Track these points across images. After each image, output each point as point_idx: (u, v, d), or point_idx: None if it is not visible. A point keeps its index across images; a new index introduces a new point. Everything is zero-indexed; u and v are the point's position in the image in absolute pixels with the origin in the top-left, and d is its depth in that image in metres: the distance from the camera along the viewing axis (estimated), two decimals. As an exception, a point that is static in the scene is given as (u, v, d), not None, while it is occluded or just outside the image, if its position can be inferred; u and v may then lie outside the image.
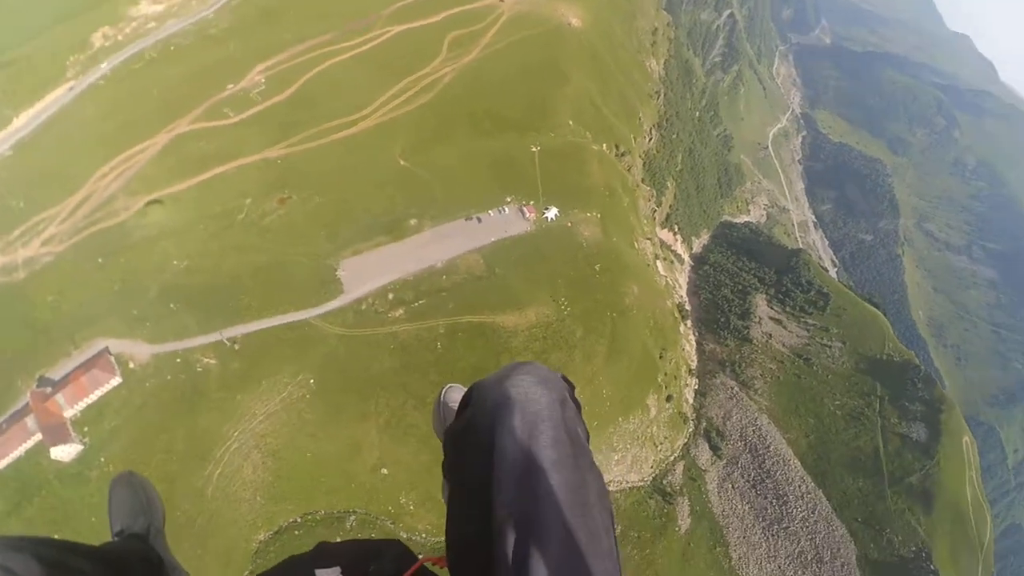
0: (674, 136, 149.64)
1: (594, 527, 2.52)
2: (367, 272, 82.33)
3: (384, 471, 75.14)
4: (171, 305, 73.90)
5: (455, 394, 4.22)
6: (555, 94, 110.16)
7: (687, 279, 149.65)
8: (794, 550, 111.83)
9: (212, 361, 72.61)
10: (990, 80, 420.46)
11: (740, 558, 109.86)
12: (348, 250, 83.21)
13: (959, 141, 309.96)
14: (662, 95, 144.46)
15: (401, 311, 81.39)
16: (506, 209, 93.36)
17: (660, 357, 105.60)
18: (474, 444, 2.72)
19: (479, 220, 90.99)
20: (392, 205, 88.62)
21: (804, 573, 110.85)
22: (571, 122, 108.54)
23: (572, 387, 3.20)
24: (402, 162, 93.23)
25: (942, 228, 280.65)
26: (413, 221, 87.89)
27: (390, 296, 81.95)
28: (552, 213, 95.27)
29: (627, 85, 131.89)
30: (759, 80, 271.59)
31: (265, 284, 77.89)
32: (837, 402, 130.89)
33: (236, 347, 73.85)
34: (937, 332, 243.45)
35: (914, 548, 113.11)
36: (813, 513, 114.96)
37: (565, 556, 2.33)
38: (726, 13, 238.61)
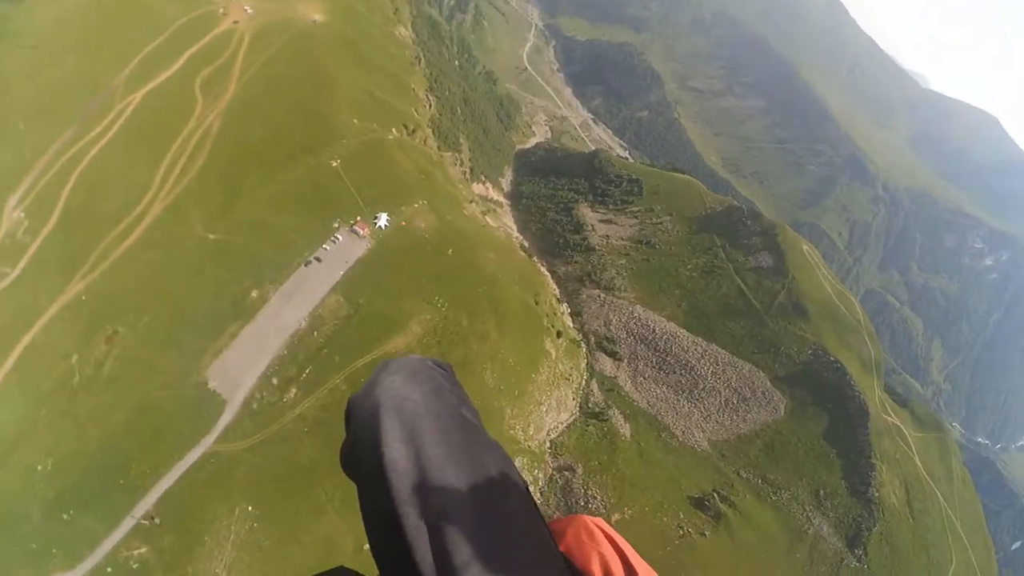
0: (447, 92, 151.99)
1: (506, 506, 2.62)
2: (238, 369, 76.10)
3: (366, 546, 73.86)
4: (64, 516, 64.02)
5: None
6: (329, 99, 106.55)
7: (513, 219, 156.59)
8: (720, 401, 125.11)
9: (142, 550, 64.56)
10: None
11: (684, 432, 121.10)
12: (206, 356, 75.78)
13: (690, 1, 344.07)
14: (422, 59, 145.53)
15: (294, 390, 77.13)
16: (339, 236, 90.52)
17: (536, 303, 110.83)
18: (366, 462, 2.75)
19: (318, 260, 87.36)
20: (223, 287, 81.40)
21: (738, 414, 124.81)
22: (356, 120, 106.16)
23: (447, 368, 3.37)
24: (210, 236, 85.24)
25: (703, 81, 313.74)
26: (254, 293, 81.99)
27: (274, 381, 76.99)
28: (383, 220, 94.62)
29: (389, 62, 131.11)
30: (496, 9, 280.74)
31: (144, 439, 69.27)
32: (689, 266, 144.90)
33: (157, 521, 66.23)
34: (734, 169, 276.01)
35: (810, 351, 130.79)
36: (718, 365, 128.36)
37: (483, 544, 2.44)
38: None
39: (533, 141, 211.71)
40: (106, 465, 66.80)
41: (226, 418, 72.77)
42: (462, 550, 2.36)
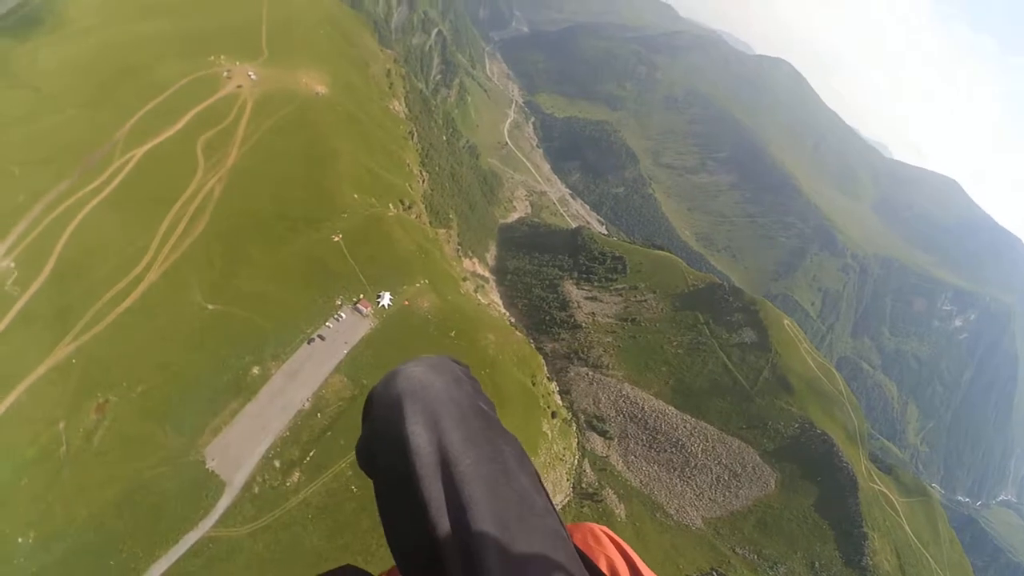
0: (437, 168, 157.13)
1: (522, 490, 2.65)
2: (239, 449, 73.73)
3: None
4: (48, 602, 58.25)
5: None
6: (330, 172, 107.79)
7: (499, 295, 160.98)
8: (712, 478, 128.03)
9: (133, 641, 58.29)
10: (673, 20, 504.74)
11: (678, 510, 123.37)
12: (205, 434, 73.31)
13: (663, 80, 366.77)
14: (415, 133, 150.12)
15: (297, 474, 75.07)
16: (342, 314, 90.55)
17: (533, 384, 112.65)
18: (387, 449, 2.82)
19: (322, 338, 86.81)
20: (223, 361, 79.24)
21: (730, 490, 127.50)
22: (356, 195, 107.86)
23: (465, 367, 3.46)
24: (209, 306, 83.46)
25: (676, 157, 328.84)
26: (256, 370, 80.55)
27: (277, 464, 74.95)
28: (386, 299, 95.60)
29: (385, 136, 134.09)
30: (479, 85, 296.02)
31: (136, 519, 65.52)
32: (675, 343, 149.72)
33: (148, 610, 61.05)
34: (707, 243, 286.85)
35: (796, 425, 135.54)
36: (707, 442, 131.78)
37: (504, 525, 2.44)
38: (434, 32, 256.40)
39: (515, 216, 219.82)
40: (94, 544, 63.25)
41: (225, 501, 70.09)
42: (482, 525, 2.41)
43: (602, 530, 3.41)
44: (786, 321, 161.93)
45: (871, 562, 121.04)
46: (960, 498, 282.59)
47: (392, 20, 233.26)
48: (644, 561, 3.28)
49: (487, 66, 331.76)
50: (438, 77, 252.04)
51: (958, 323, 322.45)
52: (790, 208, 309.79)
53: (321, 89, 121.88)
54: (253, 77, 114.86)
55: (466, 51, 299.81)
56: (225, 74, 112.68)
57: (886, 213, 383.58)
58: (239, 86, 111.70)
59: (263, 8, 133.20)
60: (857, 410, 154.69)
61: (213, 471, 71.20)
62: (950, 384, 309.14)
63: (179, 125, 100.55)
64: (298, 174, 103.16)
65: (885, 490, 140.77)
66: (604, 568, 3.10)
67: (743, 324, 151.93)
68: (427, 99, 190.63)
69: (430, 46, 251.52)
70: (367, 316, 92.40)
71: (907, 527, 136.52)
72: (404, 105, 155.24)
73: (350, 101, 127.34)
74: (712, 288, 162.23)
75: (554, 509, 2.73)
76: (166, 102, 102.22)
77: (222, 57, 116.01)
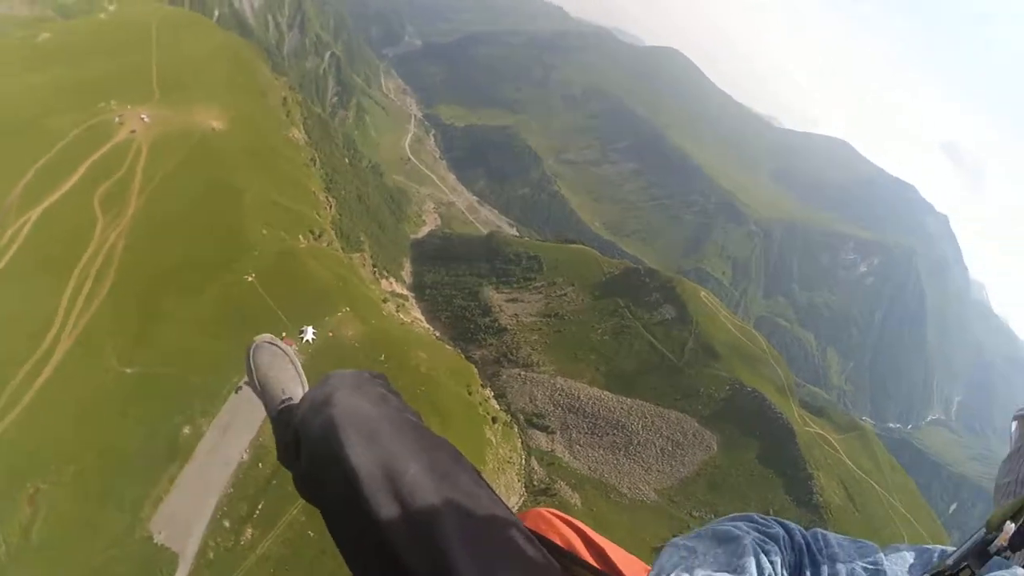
0: (342, 192, 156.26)
1: (467, 488, 2.71)
2: (185, 516, 70.11)
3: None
4: None
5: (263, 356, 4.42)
6: (235, 209, 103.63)
7: (421, 311, 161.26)
8: (656, 451, 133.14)
9: None
10: (563, 20, 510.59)
11: (630, 488, 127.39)
12: (147, 506, 69.30)
13: (559, 80, 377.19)
14: (316, 159, 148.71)
15: (249, 530, 72.12)
16: None
17: (470, 394, 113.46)
18: (330, 479, 2.79)
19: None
20: (152, 425, 75.22)
21: (676, 459, 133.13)
22: (264, 231, 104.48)
23: (384, 378, 3.58)
24: (128, 370, 78.71)
25: (578, 152, 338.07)
26: (187, 429, 76.52)
27: (227, 524, 71.92)
28: (309, 334, 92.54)
29: (288, 166, 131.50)
30: (377, 103, 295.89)
31: None
32: (599, 331, 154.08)
33: None
34: (617, 231, 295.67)
35: (728, 388, 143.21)
36: (646, 418, 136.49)
37: (460, 524, 2.48)
38: (327, 55, 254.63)
39: (425, 230, 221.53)
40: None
41: (181, 574, 66.97)
42: (440, 529, 2.44)
43: (550, 512, 3.51)
44: (702, 293, 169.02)
45: (821, 499, 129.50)
46: (892, 425, 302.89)
47: (284, 46, 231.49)
48: (603, 536, 3.40)
49: (383, 83, 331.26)
50: (335, 99, 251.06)
51: (863, 269, 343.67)
52: (692, 187, 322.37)
53: (217, 124, 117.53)
54: (146, 120, 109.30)
55: (361, 71, 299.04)
56: (117, 120, 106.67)
57: (783, 180, 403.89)
58: (132, 131, 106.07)
59: (152, 46, 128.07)
60: (781, 363, 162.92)
61: (163, 545, 67.60)
62: (864, 326, 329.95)
63: (73, 179, 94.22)
64: (202, 216, 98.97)
65: (821, 431, 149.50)
66: (560, 543, 3.19)
67: (662, 302, 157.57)
68: (326, 123, 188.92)
69: (324, 69, 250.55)
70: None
71: (848, 461, 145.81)
72: (303, 132, 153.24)
73: (248, 133, 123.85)
74: (628, 273, 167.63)
75: (500, 499, 2.90)
76: (58, 156, 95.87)
77: (112, 102, 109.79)
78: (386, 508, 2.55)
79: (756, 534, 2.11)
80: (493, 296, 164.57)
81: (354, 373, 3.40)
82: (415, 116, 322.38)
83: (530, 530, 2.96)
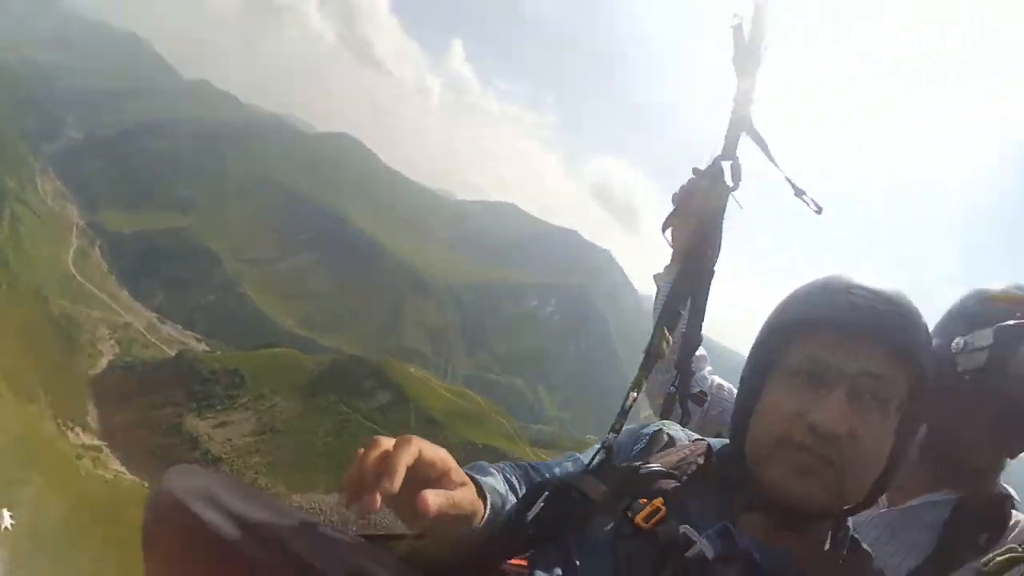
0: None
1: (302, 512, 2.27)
2: None
3: None
4: None
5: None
6: None
7: (119, 460, 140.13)
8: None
9: None
10: (236, 108, 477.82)
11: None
12: None
13: (233, 172, 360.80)
14: None
15: None
16: None
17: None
18: (188, 553, 2.12)
19: None
20: None
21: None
22: None
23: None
24: None
25: (260, 249, 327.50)
26: None
27: None
28: (6, 519, 78.22)
29: None
30: (32, 211, 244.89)
31: None
32: (320, 432, 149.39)
33: None
34: (313, 325, 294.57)
35: (461, 451, 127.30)
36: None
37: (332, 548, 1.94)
38: None
39: (104, 361, 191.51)
40: None
41: None
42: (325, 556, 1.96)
43: None
44: (412, 369, 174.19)
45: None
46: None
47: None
48: None
49: (39, 186, 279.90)
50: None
51: (548, 310, 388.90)
52: (379, 267, 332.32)
53: None
54: None
55: (13, 172, 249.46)
56: None
57: (462, 246, 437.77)
58: None
59: None
60: (501, 413, 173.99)
61: None
62: (562, 358, 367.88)
63: None
64: None
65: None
66: None
67: (376, 388, 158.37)
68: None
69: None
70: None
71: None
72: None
73: None
74: (335, 366, 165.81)
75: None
76: None
77: None
78: (256, 552, 2.08)
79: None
80: (198, 425, 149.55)
81: (179, 471, 4.07)
82: (78, 224, 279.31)
83: None
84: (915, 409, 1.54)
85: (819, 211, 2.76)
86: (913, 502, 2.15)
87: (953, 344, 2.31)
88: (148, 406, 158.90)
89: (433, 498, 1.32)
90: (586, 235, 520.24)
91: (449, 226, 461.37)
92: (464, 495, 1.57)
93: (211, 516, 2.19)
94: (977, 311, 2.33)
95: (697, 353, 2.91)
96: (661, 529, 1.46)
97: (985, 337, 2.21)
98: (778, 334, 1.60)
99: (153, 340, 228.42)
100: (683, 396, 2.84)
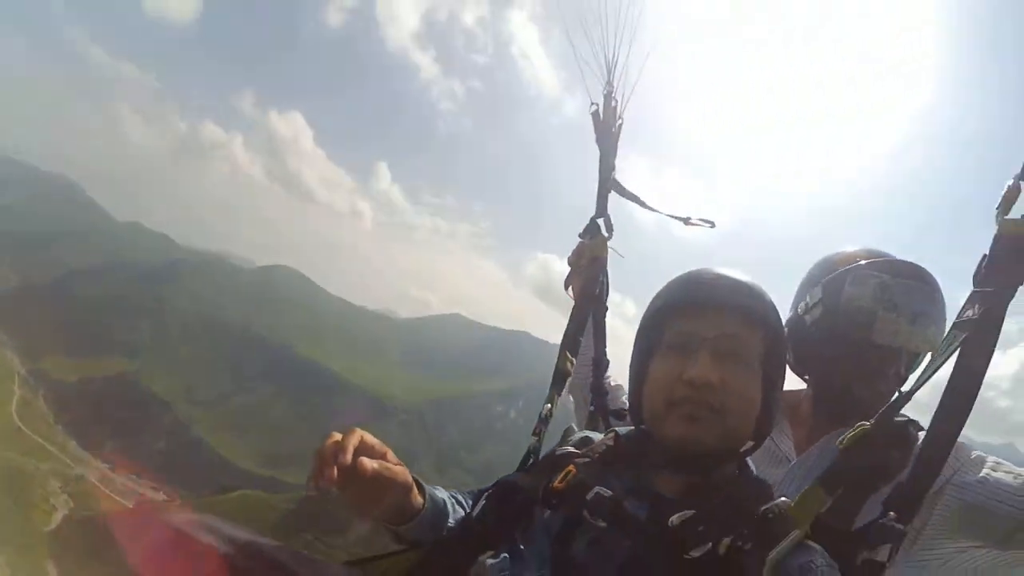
0: None
1: None
2: None
3: None
4: None
5: None
6: None
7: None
8: None
9: None
10: (172, 249, 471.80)
11: None
12: None
13: (176, 313, 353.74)
14: None
15: None
16: None
17: None
18: None
19: None
20: None
21: None
22: None
23: None
24: None
25: (210, 389, 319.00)
26: None
27: None
28: None
29: None
30: None
31: None
32: None
33: None
34: (273, 462, 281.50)
35: None
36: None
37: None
38: None
39: (59, 516, 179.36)
40: None
41: None
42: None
43: None
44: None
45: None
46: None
47: None
48: None
49: None
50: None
51: (513, 415, 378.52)
52: (336, 395, 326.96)
53: None
54: None
55: None
56: None
57: (415, 364, 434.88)
58: None
59: None
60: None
61: None
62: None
63: None
64: None
65: None
66: None
67: (352, 519, 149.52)
68: None
69: None
70: None
71: None
72: None
73: None
74: (304, 504, 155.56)
75: None
76: None
77: None
78: None
79: None
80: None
81: None
82: (19, 373, 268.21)
83: None
84: (775, 362, 1.88)
85: (712, 225, 3.34)
86: (813, 447, 2.54)
87: (800, 305, 2.78)
88: (112, 561, 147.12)
89: (369, 462, 1.71)
90: (537, 333, 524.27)
91: (399, 346, 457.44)
92: (399, 468, 1.91)
93: (207, 537, 2.50)
94: (814, 273, 2.76)
95: (615, 384, 3.49)
96: (573, 483, 1.75)
97: (817, 293, 2.66)
98: (652, 320, 1.99)
99: (108, 492, 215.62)
100: (603, 413, 3.31)
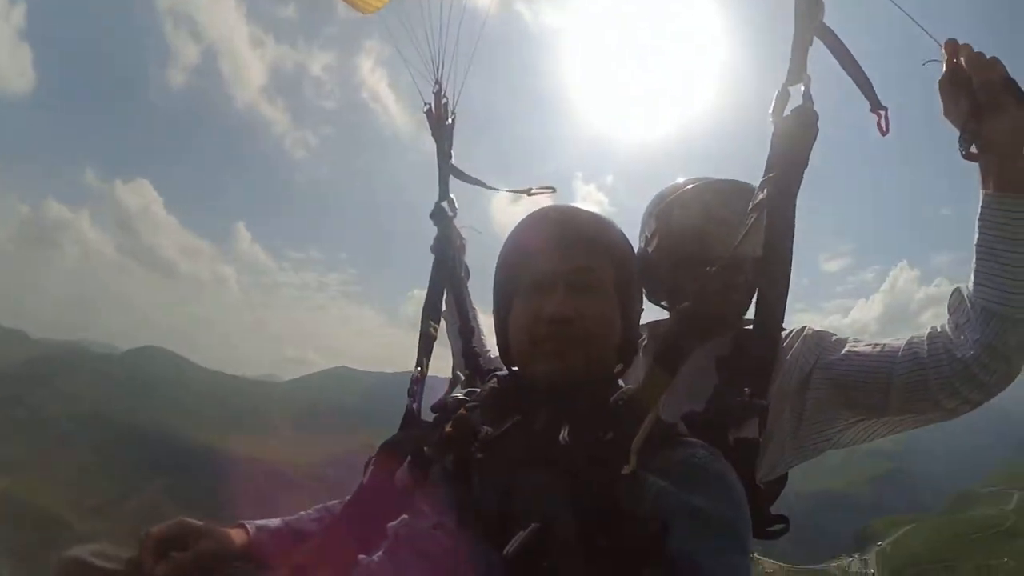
0: None
1: None
2: None
3: None
4: None
5: None
6: None
7: None
8: None
9: None
10: (27, 345, 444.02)
11: None
12: None
13: (44, 414, 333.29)
14: None
15: None
16: None
17: None
18: None
19: None
20: None
21: None
22: None
23: None
24: None
25: (100, 494, 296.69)
26: None
27: None
28: None
29: None
30: None
31: None
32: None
33: None
34: None
35: None
36: None
37: None
38: None
39: None
40: None
41: None
42: None
43: None
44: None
45: None
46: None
47: None
48: None
49: None
50: None
51: None
52: (235, 475, 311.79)
53: None
54: None
55: None
56: None
57: (308, 426, 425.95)
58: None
59: None
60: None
61: None
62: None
63: None
64: None
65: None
66: None
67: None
68: None
69: None
70: None
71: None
72: None
73: None
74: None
75: None
76: None
77: None
78: None
79: None
80: None
81: None
82: None
83: None
84: (629, 288, 2.00)
85: (553, 190, 3.68)
86: (684, 367, 2.14)
87: (642, 239, 2.98)
88: None
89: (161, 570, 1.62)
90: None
91: (287, 410, 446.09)
92: (205, 544, 1.77)
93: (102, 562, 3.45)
94: (649, 208, 2.99)
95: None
96: (462, 426, 1.77)
97: (652, 224, 2.89)
98: (506, 264, 2.09)
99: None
100: (480, 374, 3.27)
